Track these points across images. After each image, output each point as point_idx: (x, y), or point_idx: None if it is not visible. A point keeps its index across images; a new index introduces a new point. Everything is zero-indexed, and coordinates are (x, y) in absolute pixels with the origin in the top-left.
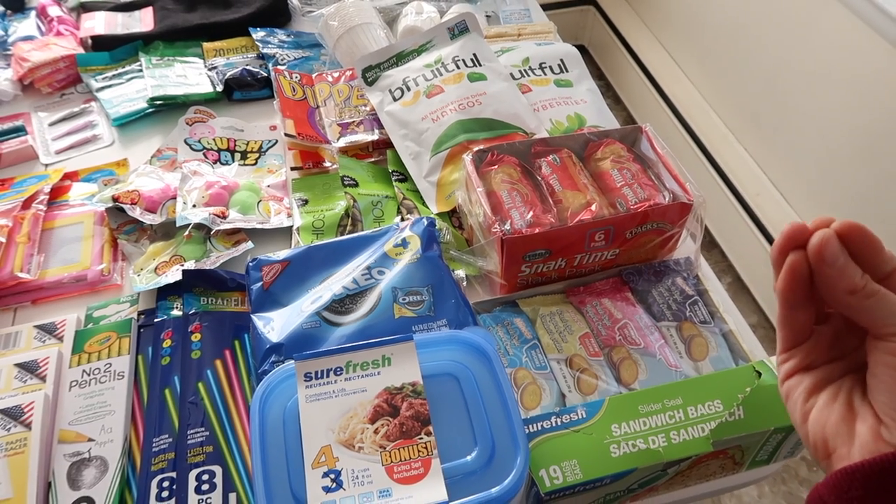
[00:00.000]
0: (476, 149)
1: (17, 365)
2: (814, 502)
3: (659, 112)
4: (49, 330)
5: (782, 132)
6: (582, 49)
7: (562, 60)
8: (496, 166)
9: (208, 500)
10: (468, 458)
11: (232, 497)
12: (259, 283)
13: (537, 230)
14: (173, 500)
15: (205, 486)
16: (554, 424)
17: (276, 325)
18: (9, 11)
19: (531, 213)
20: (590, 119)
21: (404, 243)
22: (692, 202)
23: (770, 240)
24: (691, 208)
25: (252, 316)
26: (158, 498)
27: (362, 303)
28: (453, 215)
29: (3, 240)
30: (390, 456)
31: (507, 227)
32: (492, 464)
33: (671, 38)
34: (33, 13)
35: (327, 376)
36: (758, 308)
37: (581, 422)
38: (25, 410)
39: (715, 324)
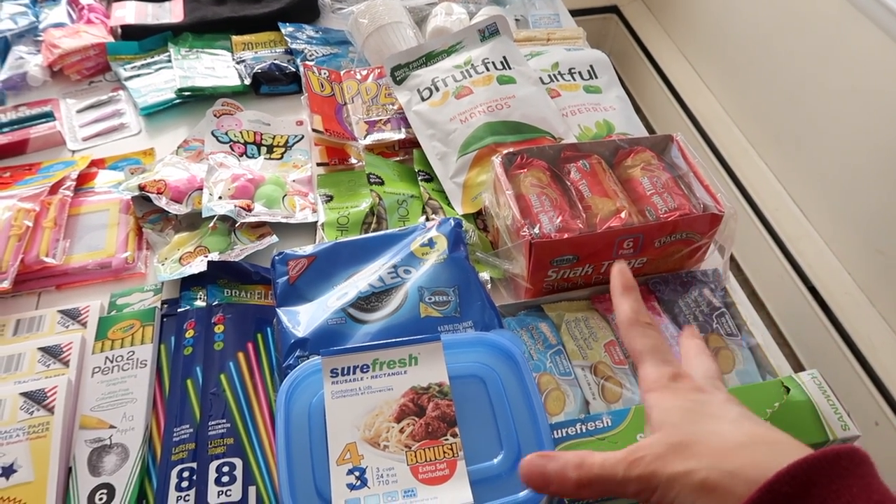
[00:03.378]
0: (505, 151)
1: (41, 349)
2: None
3: (679, 123)
4: (73, 315)
5: (804, 148)
6: None
7: (591, 66)
8: (525, 170)
9: (228, 493)
10: (494, 461)
11: (252, 490)
12: (285, 278)
13: (566, 235)
14: (193, 490)
15: (225, 478)
16: (579, 431)
17: (301, 319)
18: None
19: (560, 218)
20: (618, 126)
21: (431, 243)
22: (723, 213)
23: (787, 255)
24: (722, 219)
25: (277, 310)
26: (178, 488)
27: (388, 301)
28: (478, 217)
29: (30, 224)
30: (415, 456)
31: (536, 231)
32: (517, 468)
33: (694, 48)
34: (64, 0)
35: (353, 373)
36: (772, 322)
37: (606, 430)
38: (48, 395)
39: (742, 337)
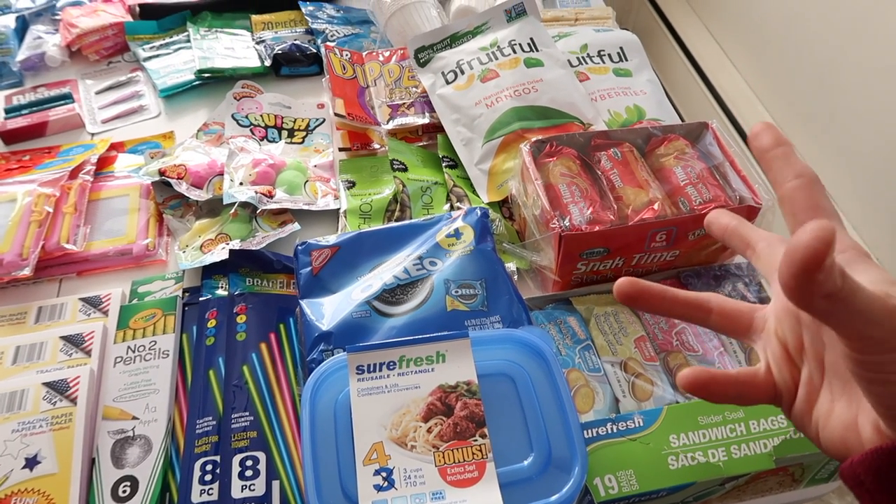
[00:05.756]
0: (534, 139)
1: (63, 338)
2: (850, 481)
3: (705, 105)
4: (94, 303)
5: (835, 130)
6: None
7: (621, 48)
8: (554, 158)
9: (252, 487)
10: (524, 463)
11: (275, 485)
12: (308, 268)
13: (597, 228)
14: (217, 483)
15: (248, 472)
16: (610, 431)
17: (325, 312)
18: None
19: (590, 209)
20: (649, 112)
21: (457, 234)
22: (760, 206)
23: None
24: (759, 212)
25: (301, 301)
26: (202, 481)
27: (414, 294)
28: (504, 205)
29: (51, 209)
30: (444, 457)
31: (566, 223)
32: (548, 470)
33: (722, 26)
34: None
35: (380, 370)
36: None
37: (638, 430)
38: (71, 385)
39: None
